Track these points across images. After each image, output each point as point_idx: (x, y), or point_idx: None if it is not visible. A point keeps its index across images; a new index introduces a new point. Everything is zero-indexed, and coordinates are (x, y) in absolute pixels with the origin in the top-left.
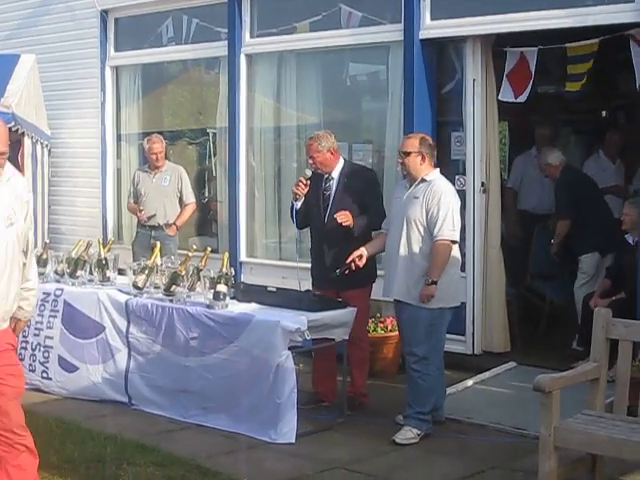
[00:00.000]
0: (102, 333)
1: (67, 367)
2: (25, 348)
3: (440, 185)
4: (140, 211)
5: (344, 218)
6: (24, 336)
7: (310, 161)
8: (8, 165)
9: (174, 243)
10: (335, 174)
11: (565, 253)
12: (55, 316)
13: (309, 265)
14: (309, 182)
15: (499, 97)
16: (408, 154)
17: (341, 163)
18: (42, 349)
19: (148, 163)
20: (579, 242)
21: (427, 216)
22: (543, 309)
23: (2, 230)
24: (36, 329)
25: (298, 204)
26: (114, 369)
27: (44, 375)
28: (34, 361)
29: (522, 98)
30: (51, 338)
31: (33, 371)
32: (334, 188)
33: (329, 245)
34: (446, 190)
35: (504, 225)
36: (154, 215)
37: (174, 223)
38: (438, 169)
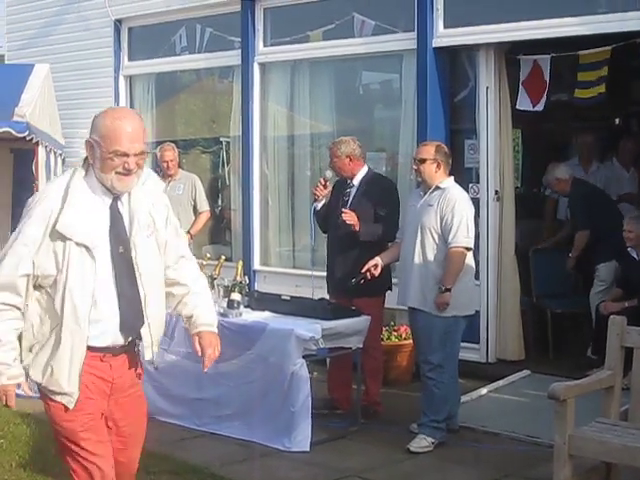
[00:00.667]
0: None
1: None
2: None
3: (454, 193)
4: None
5: (348, 217)
6: None
7: (331, 164)
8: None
9: None
10: (356, 181)
11: (578, 265)
12: None
13: (323, 273)
14: (328, 183)
15: (517, 107)
16: (424, 161)
17: (364, 171)
18: None
19: (162, 172)
20: (596, 251)
21: (441, 223)
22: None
23: (143, 240)
24: None
25: (318, 205)
26: None
27: None
28: None
29: (539, 107)
30: None
31: None
32: (352, 195)
33: (343, 251)
34: (460, 198)
35: (518, 232)
36: None
37: (188, 232)
38: (452, 177)
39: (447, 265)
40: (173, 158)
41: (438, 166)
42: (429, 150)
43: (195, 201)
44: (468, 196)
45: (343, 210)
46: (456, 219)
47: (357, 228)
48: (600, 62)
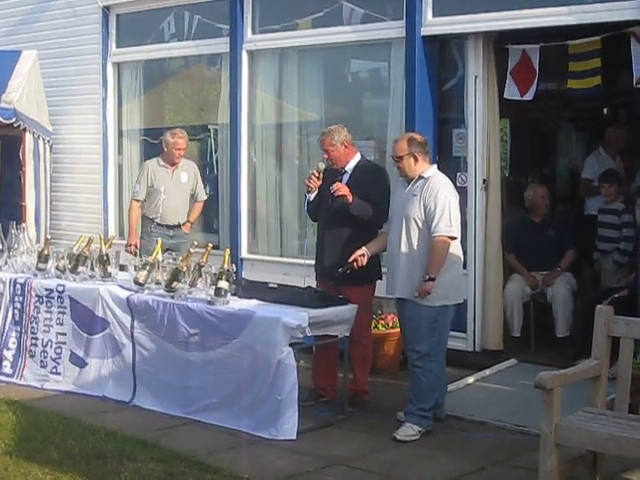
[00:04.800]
0: (107, 328)
1: (78, 362)
2: (35, 345)
3: (437, 181)
4: (135, 246)
5: (339, 189)
6: (33, 333)
7: (325, 155)
8: None
9: (188, 241)
10: (349, 168)
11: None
12: (64, 312)
13: (311, 262)
14: (321, 175)
15: (505, 96)
16: (400, 158)
17: (357, 158)
18: (54, 345)
19: (161, 156)
20: None
21: (425, 213)
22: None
23: None
24: (46, 326)
25: (311, 196)
26: (122, 364)
27: (53, 371)
28: (45, 357)
29: (528, 96)
30: (64, 334)
31: (45, 367)
32: (345, 181)
33: (332, 239)
34: (443, 186)
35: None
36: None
37: (188, 220)
38: (435, 165)
39: (430, 254)
40: (186, 146)
41: (415, 159)
42: (402, 146)
43: (195, 190)
44: (451, 184)
45: (334, 186)
46: (439, 208)
47: (350, 199)
48: (591, 52)
